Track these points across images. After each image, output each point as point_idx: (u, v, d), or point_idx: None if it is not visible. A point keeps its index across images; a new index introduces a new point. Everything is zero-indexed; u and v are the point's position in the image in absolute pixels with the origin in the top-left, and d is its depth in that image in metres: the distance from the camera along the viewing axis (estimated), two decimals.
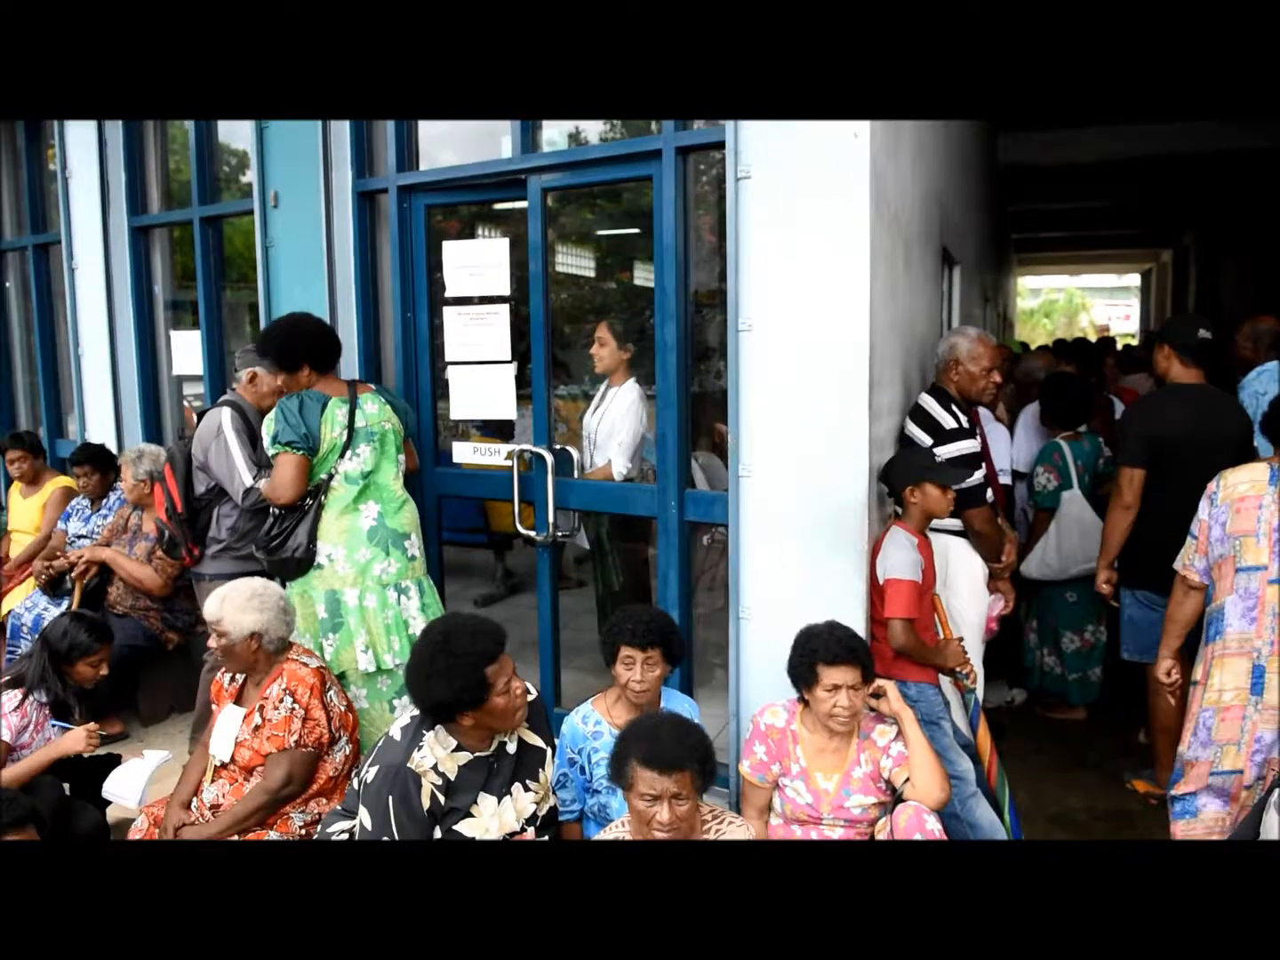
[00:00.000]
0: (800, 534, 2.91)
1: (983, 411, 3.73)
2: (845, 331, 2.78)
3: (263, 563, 3.28)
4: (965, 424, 3.17)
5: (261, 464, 3.36)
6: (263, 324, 4.12)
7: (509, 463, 3.56)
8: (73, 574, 4.19)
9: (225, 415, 3.54)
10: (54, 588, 4.31)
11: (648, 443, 4.07)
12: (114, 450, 4.81)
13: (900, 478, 2.95)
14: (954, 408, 3.18)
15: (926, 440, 3.14)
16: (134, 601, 4.15)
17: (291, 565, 3.25)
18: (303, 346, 3.28)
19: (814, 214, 2.79)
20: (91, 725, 3.04)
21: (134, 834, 2.89)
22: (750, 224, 2.90)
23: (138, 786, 3.02)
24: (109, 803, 3.13)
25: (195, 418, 4.94)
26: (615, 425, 3.82)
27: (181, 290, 5.14)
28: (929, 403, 3.20)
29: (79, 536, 4.56)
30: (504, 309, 3.62)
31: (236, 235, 4.81)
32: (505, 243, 3.62)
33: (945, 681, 3.02)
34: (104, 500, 4.60)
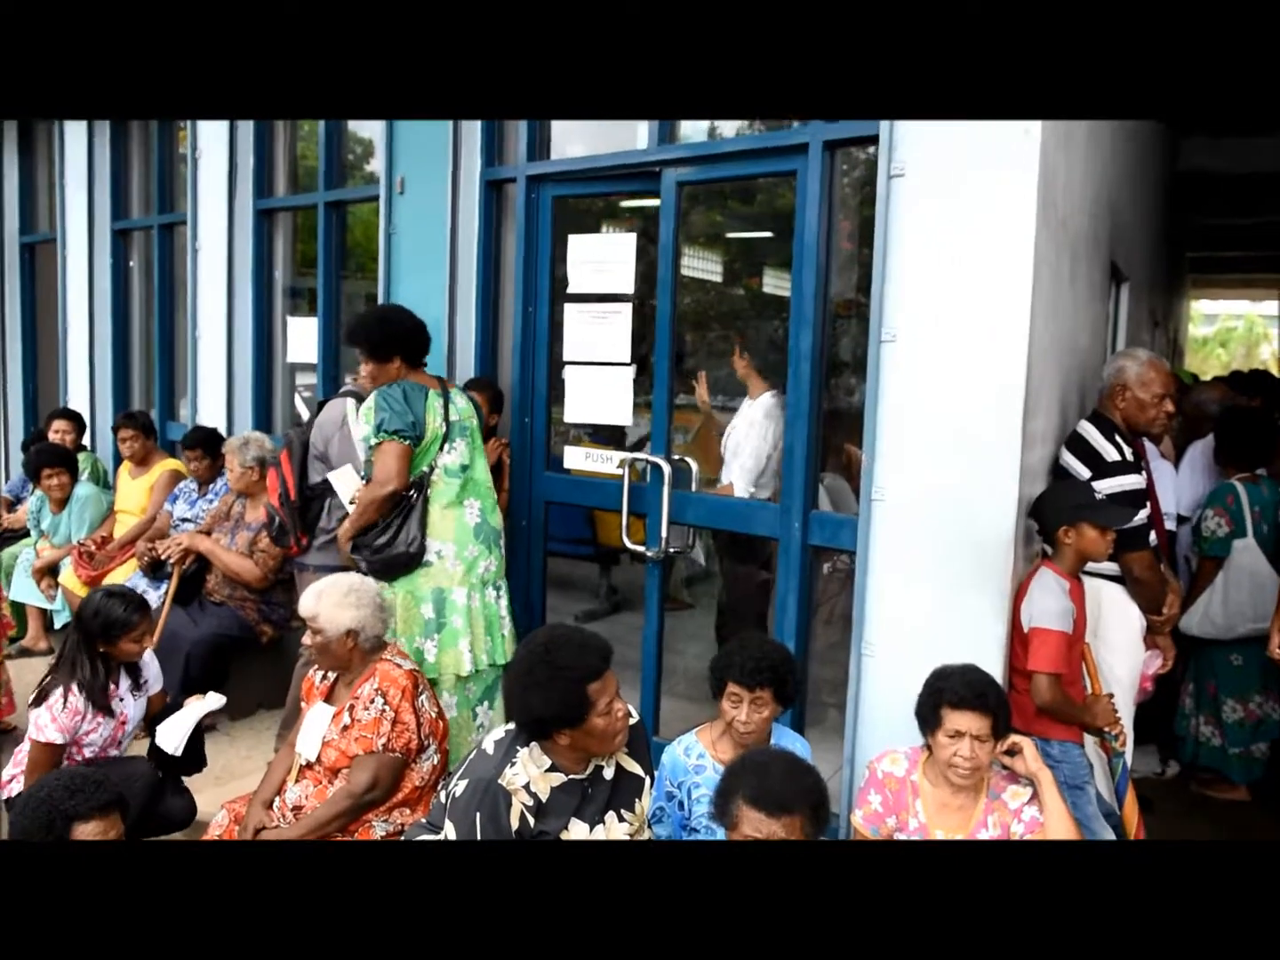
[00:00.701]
0: (936, 567, 2.82)
1: (1147, 445, 3.55)
2: (1001, 347, 2.68)
3: (366, 564, 3.32)
4: (1130, 457, 3.01)
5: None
6: None
7: (620, 471, 3.56)
8: (170, 560, 4.37)
9: (350, 406, 3.65)
10: (155, 570, 4.50)
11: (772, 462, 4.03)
12: (225, 435, 5.01)
13: (1054, 515, 2.82)
14: (1118, 438, 3.03)
15: (1084, 473, 3.00)
16: (231, 591, 4.29)
17: (403, 561, 3.29)
18: (396, 336, 3.37)
19: (974, 216, 2.70)
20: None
21: (213, 829, 2.97)
22: (901, 225, 2.82)
23: (180, 733, 3.07)
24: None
25: (305, 410, 5.12)
26: (740, 444, 3.78)
27: (300, 277, 5.34)
28: (1090, 431, 3.06)
29: (183, 520, 4.76)
30: (626, 308, 3.63)
31: (357, 225, 4.97)
32: (632, 237, 3.63)
33: (1090, 742, 2.87)
34: (211, 485, 4.80)
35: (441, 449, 3.34)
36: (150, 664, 3.28)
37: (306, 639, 2.96)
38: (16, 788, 2.98)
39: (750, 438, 3.72)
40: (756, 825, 2.03)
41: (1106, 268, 4.10)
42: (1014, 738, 2.45)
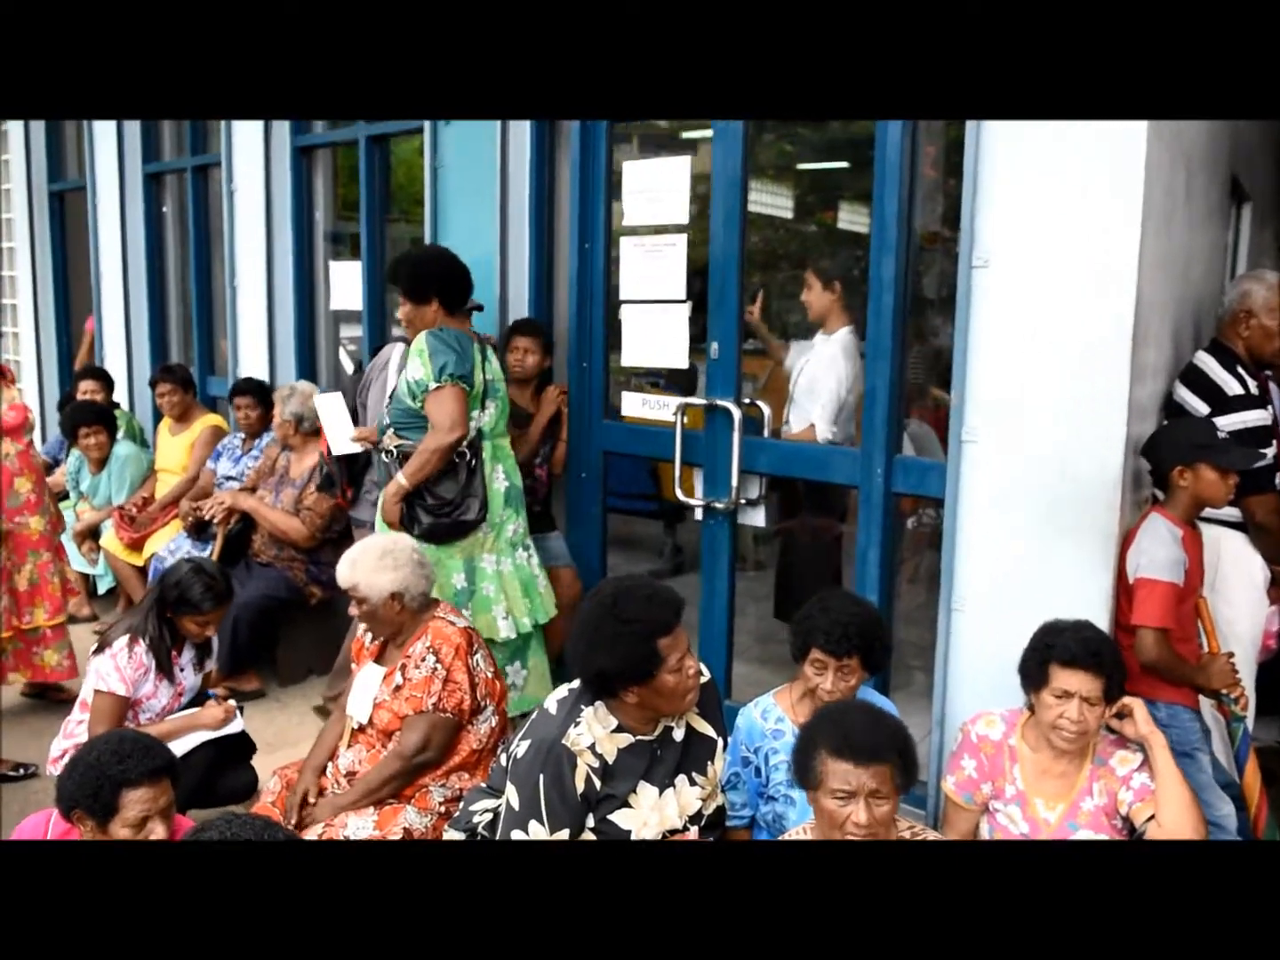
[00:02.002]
0: (1034, 514, 2.77)
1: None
2: (1107, 271, 2.60)
3: (423, 525, 3.33)
4: (1254, 390, 2.93)
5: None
6: None
7: (678, 419, 3.55)
8: (215, 520, 4.45)
9: (396, 352, 3.69)
10: (199, 531, 4.60)
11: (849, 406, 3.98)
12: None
13: (1171, 454, 2.74)
14: (1240, 370, 2.94)
15: (1202, 409, 2.92)
16: (278, 551, 4.37)
17: (466, 528, 3.35)
18: (436, 275, 3.40)
19: (1076, 123, 2.61)
20: (230, 704, 3.23)
21: (265, 797, 3.04)
22: (994, 137, 2.74)
23: (184, 744, 3.06)
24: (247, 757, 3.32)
25: (349, 362, 5.15)
26: (816, 381, 3.73)
27: (342, 221, 5.36)
28: (1208, 363, 2.98)
29: (228, 478, 4.84)
30: (681, 240, 3.61)
31: (399, 166, 4.98)
32: (686, 160, 3.59)
33: (1206, 705, 2.81)
34: (258, 439, 4.87)
35: (481, 407, 3.37)
36: (215, 645, 3.38)
37: (353, 610, 3.00)
38: None
39: (829, 376, 3.67)
40: (844, 778, 2.02)
41: (1226, 184, 3.94)
42: (1124, 699, 2.41)
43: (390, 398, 3.50)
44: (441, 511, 3.31)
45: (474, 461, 3.34)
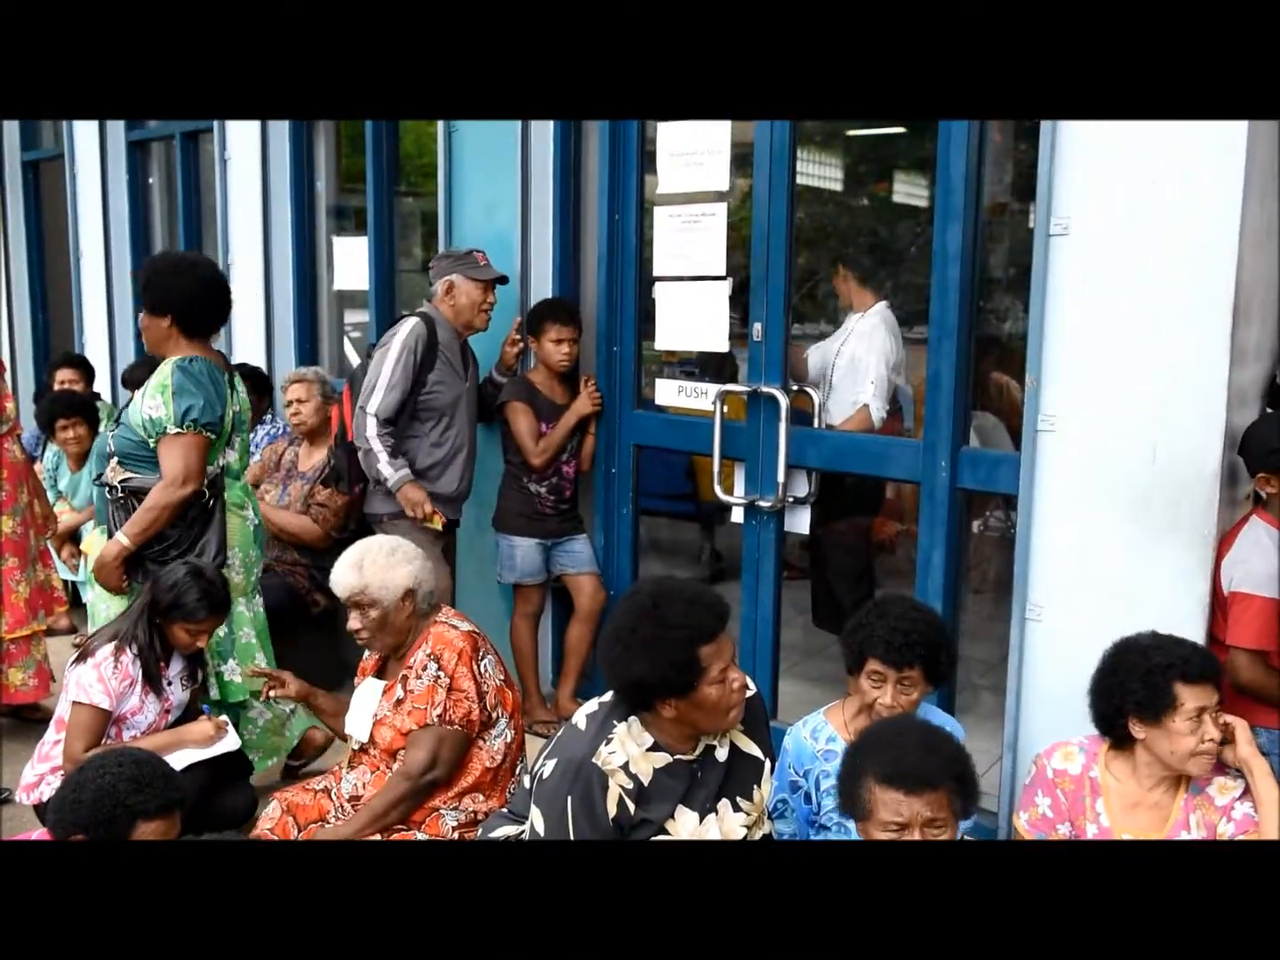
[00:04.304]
0: (1119, 512, 2.75)
1: None
2: (1202, 237, 2.58)
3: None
4: None
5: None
6: (442, 230, 4.27)
7: (717, 408, 3.55)
8: None
9: (407, 325, 3.71)
10: None
11: (903, 392, 3.97)
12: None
13: (1257, 455, 2.66)
14: None
15: None
16: (280, 553, 4.33)
17: None
18: (171, 288, 3.27)
19: None
20: (222, 719, 3.27)
21: (264, 823, 3.05)
22: None
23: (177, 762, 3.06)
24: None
25: (354, 352, 5.17)
26: (858, 359, 3.73)
27: (345, 195, 5.38)
28: None
29: None
30: (720, 209, 3.61)
31: (408, 133, 4.99)
32: (727, 123, 3.58)
33: None
34: (253, 431, 4.88)
35: (228, 445, 3.40)
36: (207, 657, 3.42)
37: (354, 623, 2.98)
38: (47, 791, 3.05)
39: (871, 352, 3.69)
40: (896, 808, 2.00)
41: None
42: (1224, 718, 2.37)
43: (118, 421, 3.41)
44: (168, 556, 3.25)
45: (212, 502, 3.32)
